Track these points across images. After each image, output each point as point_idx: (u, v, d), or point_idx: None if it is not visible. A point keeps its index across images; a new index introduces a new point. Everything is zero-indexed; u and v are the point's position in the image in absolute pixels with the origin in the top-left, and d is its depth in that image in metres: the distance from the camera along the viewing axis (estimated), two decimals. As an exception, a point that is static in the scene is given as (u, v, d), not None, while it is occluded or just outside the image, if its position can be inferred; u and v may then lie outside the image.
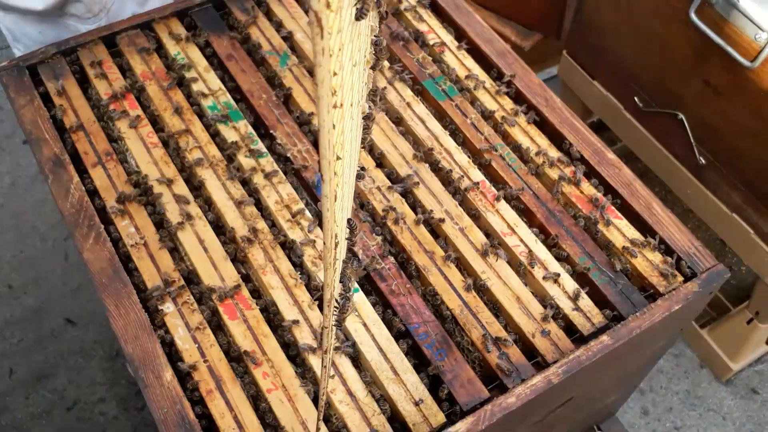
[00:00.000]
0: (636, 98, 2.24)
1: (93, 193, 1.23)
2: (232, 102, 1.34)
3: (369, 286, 1.16)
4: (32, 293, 2.56)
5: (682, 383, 2.45)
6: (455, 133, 1.33)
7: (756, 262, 2.11)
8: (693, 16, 1.89)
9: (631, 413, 2.38)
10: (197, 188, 1.25)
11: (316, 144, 1.31)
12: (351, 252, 1.15)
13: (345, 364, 1.07)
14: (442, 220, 1.21)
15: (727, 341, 2.40)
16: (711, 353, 2.45)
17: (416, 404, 1.04)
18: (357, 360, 1.09)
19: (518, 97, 1.38)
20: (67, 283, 2.58)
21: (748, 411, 2.40)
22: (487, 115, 1.35)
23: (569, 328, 1.13)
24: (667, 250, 1.20)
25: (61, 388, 2.37)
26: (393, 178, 1.27)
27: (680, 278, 1.16)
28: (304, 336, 1.09)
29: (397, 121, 1.34)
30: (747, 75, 1.85)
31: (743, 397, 2.43)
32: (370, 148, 1.29)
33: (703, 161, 2.11)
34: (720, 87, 1.96)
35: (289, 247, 1.18)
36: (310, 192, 1.25)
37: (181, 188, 1.23)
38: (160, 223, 1.20)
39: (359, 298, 1.13)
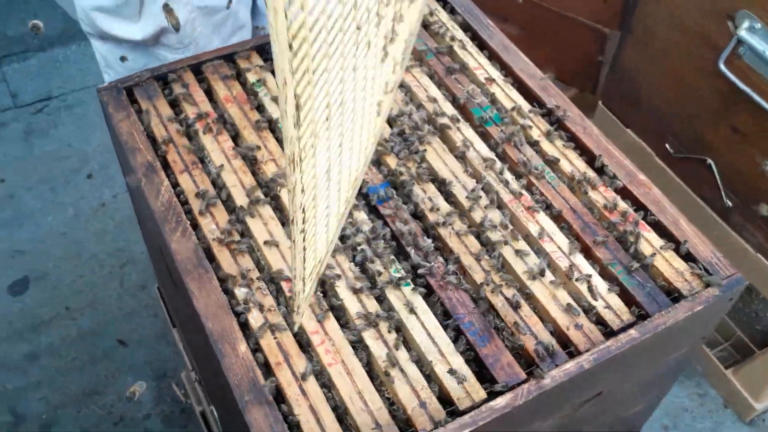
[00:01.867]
0: (667, 145, 2.38)
1: (180, 194, 1.39)
2: (301, 122, 1.51)
3: (420, 281, 1.29)
4: (88, 315, 2.73)
5: (706, 422, 2.51)
6: (500, 154, 1.48)
7: (781, 302, 2.20)
8: (722, 66, 2.05)
9: (658, 448, 2.44)
10: (271, 193, 1.40)
11: (376, 159, 1.46)
12: (403, 251, 1.30)
13: (399, 347, 1.20)
14: (488, 229, 1.35)
15: (751, 382, 2.47)
16: (735, 393, 2.51)
17: (460, 382, 1.16)
18: (407, 343, 1.22)
19: (559, 125, 1.53)
20: (121, 308, 2.75)
21: (775, 453, 2.45)
22: (529, 140, 1.50)
23: (601, 324, 1.25)
24: (691, 260, 1.32)
25: (110, 404, 2.51)
26: (443, 190, 1.42)
27: (703, 284, 1.28)
28: (359, 319, 1.22)
29: (448, 141, 1.50)
30: (771, 121, 1.99)
31: (769, 439, 2.48)
32: (424, 165, 1.45)
33: (730, 204, 2.23)
34: (747, 132, 2.10)
35: (349, 246, 1.33)
36: (366, 199, 1.40)
37: (257, 193, 1.39)
38: (237, 220, 1.36)
39: (410, 292, 1.26)
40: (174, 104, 1.55)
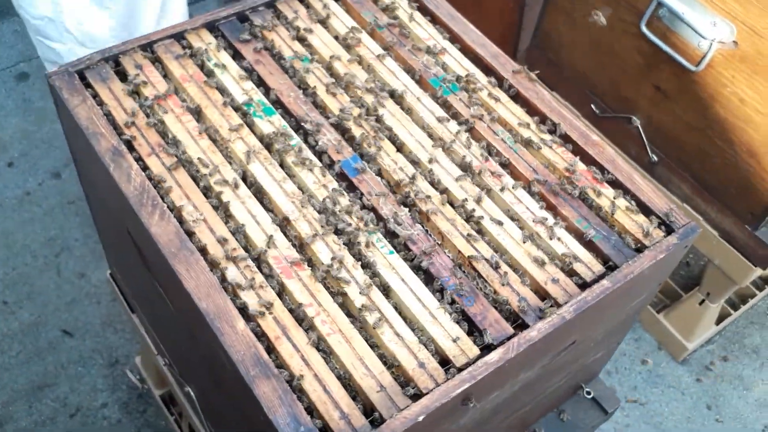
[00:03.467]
0: (593, 105, 2.50)
1: (151, 178, 1.38)
2: (265, 99, 1.52)
3: (403, 249, 1.34)
4: (27, 308, 2.65)
5: (643, 364, 2.69)
6: (461, 122, 1.54)
7: (707, 247, 2.37)
8: (644, 28, 2.17)
9: (601, 392, 2.60)
10: (242, 172, 1.41)
11: (342, 133, 1.49)
12: (382, 220, 1.34)
13: (390, 312, 1.25)
14: (459, 195, 1.41)
15: (682, 323, 2.66)
16: (668, 335, 2.70)
17: (454, 341, 1.22)
18: (399, 309, 1.27)
19: (512, 91, 1.60)
20: (61, 297, 2.68)
21: (704, 386, 2.66)
22: (487, 107, 1.56)
23: (574, 277, 1.33)
24: (648, 211, 1.42)
25: (63, 396, 2.46)
26: (411, 159, 1.47)
27: (662, 233, 1.39)
28: (352, 290, 1.26)
29: (410, 112, 1.54)
30: (693, 79, 2.13)
31: (698, 374, 2.68)
32: (390, 136, 1.49)
33: (656, 159, 2.38)
34: (669, 91, 2.23)
35: (328, 219, 1.36)
36: (343, 175, 1.43)
37: (229, 172, 1.40)
38: (215, 205, 1.36)
39: (395, 259, 1.31)
40: (129, 86, 1.52)
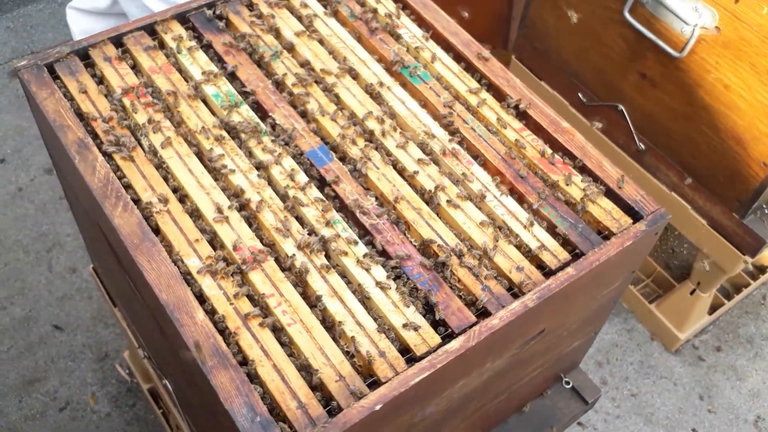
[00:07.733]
0: (580, 94, 2.48)
1: (116, 170, 1.38)
2: (233, 90, 1.51)
3: (367, 239, 1.34)
4: (19, 303, 2.66)
5: (635, 355, 2.67)
6: (431, 111, 1.52)
7: (695, 235, 2.35)
8: (627, 15, 2.14)
9: (592, 382, 2.58)
10: (210, 163, 1.41)
11: (310, 123, 1.49)
12: (348, 210, 1.34)
13: (353, 302, 1.24)
14: (426, 182, 1.40)
15: (674, 313, 2.64)
16: (660, 326, 2.68)
17: (415, 330, 1.21)
18: (361, 298, 1.26)
19: (483, 79, 1.58)
20: (52, 292, 2.69)
21: (696, 376, 2.63)
22: (458, 95, 1.55)
23: (540, 265, 1.32)
24: (617, 199, 1.41)
25: (53, 390, 2.47)
26: (379, 148, 1.46)
27: (630, 221, 1.37)
28: (314, 280, 1.26)
29: (381, 102, 1.53)
30: (677, 65, 2.11)
31: (691, 364, 2.66)
32: (358, 126, 1.48)
33: (643, 147, 2.36)
34: (655, 78, 2.21)
35: (293, 209, 1.35)
36: (310, 164, 1.43)
37: (195, 163, 1.39)
38: (176, 191, 1.36)
39: (360, 249, 1.30)
40: (99, 78, 1.52)
